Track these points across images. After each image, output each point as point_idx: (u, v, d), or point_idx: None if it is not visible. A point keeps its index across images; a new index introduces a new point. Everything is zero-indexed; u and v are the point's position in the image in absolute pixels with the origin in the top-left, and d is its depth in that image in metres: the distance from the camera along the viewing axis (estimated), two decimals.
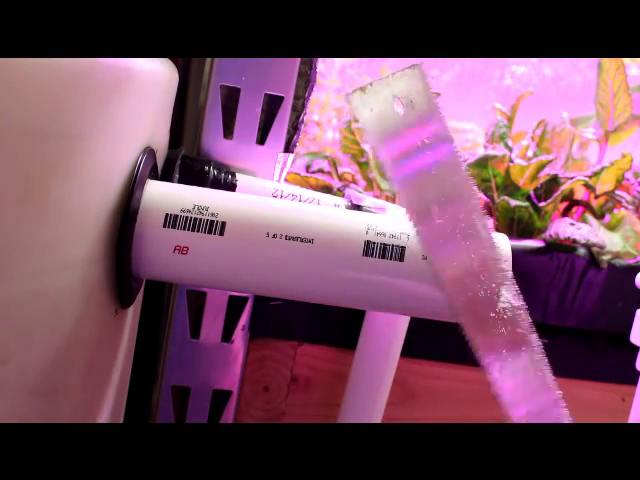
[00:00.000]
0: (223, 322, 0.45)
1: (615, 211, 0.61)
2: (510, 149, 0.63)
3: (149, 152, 0.30)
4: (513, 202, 0.54)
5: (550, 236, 0.52)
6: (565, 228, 0.52)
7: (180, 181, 0.36)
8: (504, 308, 0.27)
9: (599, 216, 0.61)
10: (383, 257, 0.29)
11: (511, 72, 0.92)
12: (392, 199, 0.61)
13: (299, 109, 0.40)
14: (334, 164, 0.69)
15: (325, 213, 0.30)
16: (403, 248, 0.29)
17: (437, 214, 0.26)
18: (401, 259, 0.29)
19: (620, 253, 0.54)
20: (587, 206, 0.60)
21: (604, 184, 0.59)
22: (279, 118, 0.40)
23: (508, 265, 0.29)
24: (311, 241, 0.29)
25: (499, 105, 0.68)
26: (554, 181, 0.58)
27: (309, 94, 0.41)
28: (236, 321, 0.46)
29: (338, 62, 0.93)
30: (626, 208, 0.61)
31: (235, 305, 0.45)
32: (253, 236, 0.28)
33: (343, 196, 0.53)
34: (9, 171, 0.18)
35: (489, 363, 0.26)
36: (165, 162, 0.36)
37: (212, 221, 0.28)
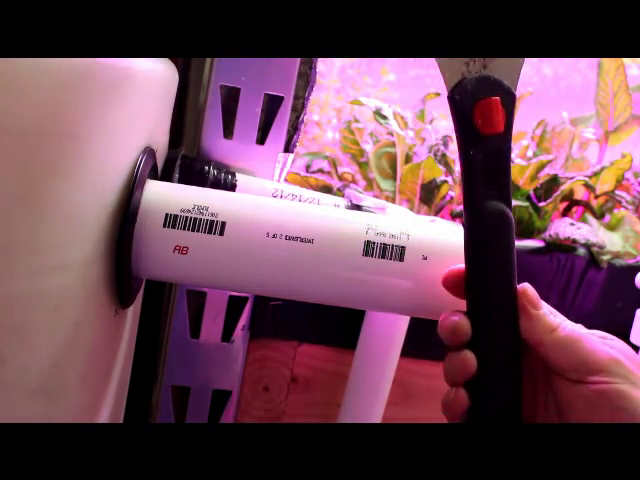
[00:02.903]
0: (223, 322, 0.45)
1: (615, 211, 0.61)
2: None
3: (149, 152, 0.30)
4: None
5: (550, 236, 0.52)
6: (565, 228, 0.52)
7: (180, 181, 0.36)
8: None
9: (599, 216, 0.61)
10: (383, 257, 0.29)
11: None
12: (392, 199, 0.61)
13: (299, 109, 0.40)
14: (334, 164, 0.69)
15: (325, 213, 0.30)
16: (403, 248, 0.29)
17: None
18: (401, 259, 0.29)
19: (620, 253, 0.54)
20: (587, 206, 0.60)
21: (604, 184, 0.59)
22: (279, 118, 0.40)
23: None
24: (311, 241, 0.29)
25: None
26: (554, 181, 0.58)
27: (309, 94, 0.41)
28: (236, 321, 0.46)
29: (338, 62, 0.93)
30: (626, 208, 0.61)
31: (235, 305, 0.45)
32: (253, 236, 0.28)
33: (343, 196, 0.53)
34: (9, 171, 0.18)
35: None
36: (165, 162, 0.36)
37: (212, 221, 0.28)
